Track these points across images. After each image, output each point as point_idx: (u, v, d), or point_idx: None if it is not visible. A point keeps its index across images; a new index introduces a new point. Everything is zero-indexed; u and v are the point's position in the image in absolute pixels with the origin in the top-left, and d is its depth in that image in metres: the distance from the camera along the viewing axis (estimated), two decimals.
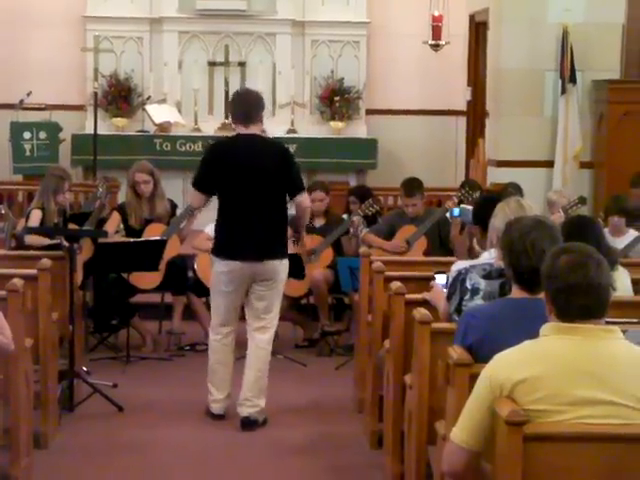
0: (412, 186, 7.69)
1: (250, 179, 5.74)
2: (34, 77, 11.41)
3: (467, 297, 4.13)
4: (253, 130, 5.80)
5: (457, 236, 7.29)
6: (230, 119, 5.93)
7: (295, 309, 7.77)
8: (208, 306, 7.74)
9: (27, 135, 10.87)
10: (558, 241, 3.51)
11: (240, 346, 6.10)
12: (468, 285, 4.13)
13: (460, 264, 4.41)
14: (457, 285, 4.18)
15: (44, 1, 11.64)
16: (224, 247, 5.86)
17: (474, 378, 3.21)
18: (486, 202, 4.82)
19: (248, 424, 5.81)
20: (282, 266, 5.90)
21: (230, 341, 6.01)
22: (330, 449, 5.58)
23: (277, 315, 6.03)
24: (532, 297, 3.55)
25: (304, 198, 5.98)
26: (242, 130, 5.80)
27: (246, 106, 5.79)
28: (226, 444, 5.63)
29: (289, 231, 6.09)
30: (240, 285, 5.86)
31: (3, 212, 7.99)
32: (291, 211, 6.09)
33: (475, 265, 4.22)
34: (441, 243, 7.56)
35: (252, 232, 5.75)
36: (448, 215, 7.42)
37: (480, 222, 4.65)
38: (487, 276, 4.10)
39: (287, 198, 5.92)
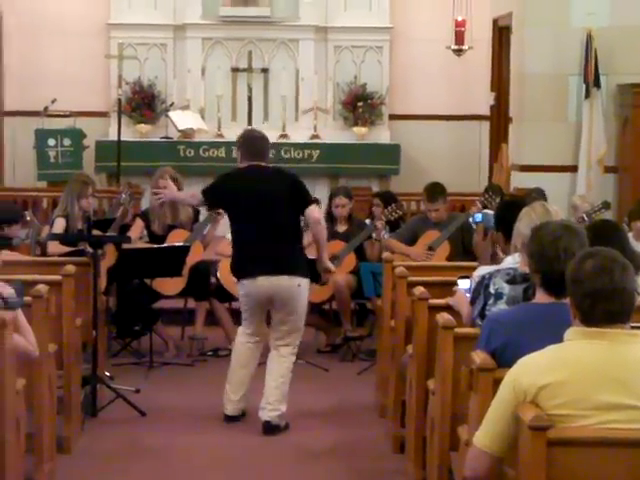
0: (434, 191, 7.66)
1: (260, 203, 5.86)
2: (59, 84, 11.47)
3: (491, 302, 4.11)
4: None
5: (480, 242, 7.25)
6: (238, 157, 6.12)
7: (318, 314, 7.76)
8: (231, 311, 7.77)
9: (52, 142, 10.94)
10: (585, 246, 3.48)
11: (263, 351, 6.11)
12: (492, 290, 4.11)
13: (484, 269, 4.39)
14: (481, 290, 4.16)
15: (69, 9, 11.71)
16: (238, 267, 5.99)
17: (497, 383, 3.20)
18: (509, 207, 4.78)
19: (269, 429, 5.82)
20: (297, 286, 5.88)
21: (255, 346, 6.05)
22: (352, 454, 5.57)
23: (301, 330, 6.04)
24: (557, 302, 3.52)
25: (312, 209, 5.96)
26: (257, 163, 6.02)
27: (257, 148, 6.04)
28: (248, 449, 5.63)
29: (308, 238, 6.14)
30: (258, 304, 5.93)
31: (28, 218, 8.02)
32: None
33: (499, 270, 4.19)
34: (464, 249, 7.52)
35: (264, 250, 5.86)
36: (470, 220, 7.38)
37: (503, 227, 4.62)
38: (511, 281, 4.08)
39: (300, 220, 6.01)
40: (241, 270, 5.96)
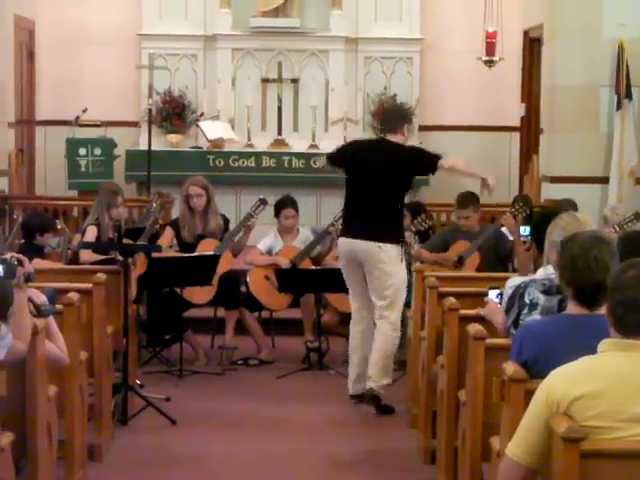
0: (465, 198, 7.64)
1: (367, 172, 6.41)
2: (90, 94, 11.55)
3: (525, 311, 4.09)
4: (389, 137, 6.54)
5: (523, 253, 7.23)
6: None
7: (346, 324, 7.73)
8: (260, 321, 7.78)
9: (82, 151, 11.00)
10: (616, 256, 3.46)
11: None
12: (527, 299, 4.10)
13: (518, 279, 4.37)
14: (516, 299, 4.14)
15: (101, 19, 11.79)
16: (342, 226, 6.65)
17: (529, 394, 3.18)
18: (544, 218, 4.76)
19: (370, 398, 6.31)
20: (383, 251, 6.29)
21: (360, 329, 6.53)
22: (383, 465, 5.55)
23: (397, 304, 6.38)
24: (590, 313, 3.50)
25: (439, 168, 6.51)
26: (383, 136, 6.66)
27: (382, 118, 6.92)
28: (278, 457, 5.62)
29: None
30: (350, 261, 6.41)
31: (59, 227, 8.08)
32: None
33: (535, 280, 4.18)
34: (499, 260, 7.48)
35: (361, 215, 6.41)
36: (522, 233, 7.34)
37: (537, 238, 4.60)
38: (547, 291, 4.06)
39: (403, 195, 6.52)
40: (341, 229, 6.64)
